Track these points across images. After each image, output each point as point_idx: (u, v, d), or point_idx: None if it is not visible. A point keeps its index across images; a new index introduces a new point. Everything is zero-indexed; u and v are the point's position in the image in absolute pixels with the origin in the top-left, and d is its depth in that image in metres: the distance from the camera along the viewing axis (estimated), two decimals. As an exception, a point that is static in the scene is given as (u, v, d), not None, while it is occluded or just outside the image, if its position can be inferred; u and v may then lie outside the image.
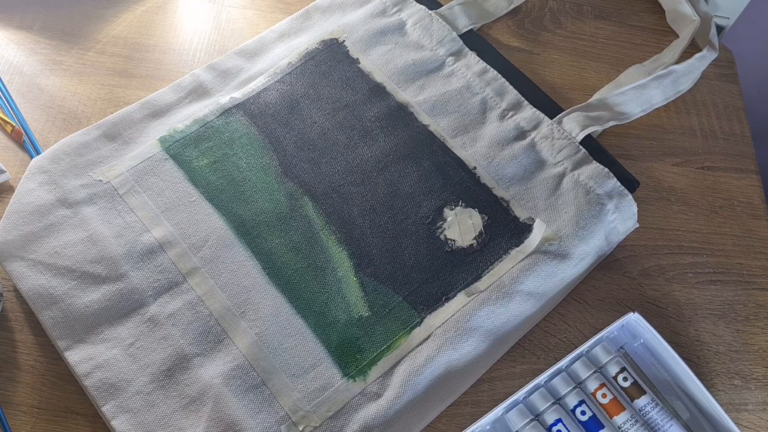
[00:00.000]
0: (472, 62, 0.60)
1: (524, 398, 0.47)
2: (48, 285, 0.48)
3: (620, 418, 0.46)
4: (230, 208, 0.52)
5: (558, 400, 0.47)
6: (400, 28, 0.62)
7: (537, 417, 0.46)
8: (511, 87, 0.58)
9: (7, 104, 0.59)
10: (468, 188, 0.54)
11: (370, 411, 0.45)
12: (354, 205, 0.53)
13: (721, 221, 0.58)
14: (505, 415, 0.47)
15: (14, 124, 0.57)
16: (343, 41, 0.61)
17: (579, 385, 0.47)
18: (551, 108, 0.58)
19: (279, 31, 0.63)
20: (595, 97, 0.60)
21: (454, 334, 0.48)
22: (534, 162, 0.55)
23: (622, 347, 0.50)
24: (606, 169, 0.54)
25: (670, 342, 0.48)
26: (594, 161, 0.54)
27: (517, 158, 0.55)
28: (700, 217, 0.58)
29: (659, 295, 0.54)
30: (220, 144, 0.55)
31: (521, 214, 0.53)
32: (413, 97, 0.58)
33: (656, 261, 0.55)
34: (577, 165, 0.54)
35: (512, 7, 0.67)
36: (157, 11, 0.66)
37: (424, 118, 0.57)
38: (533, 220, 0.52)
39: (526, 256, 0.50)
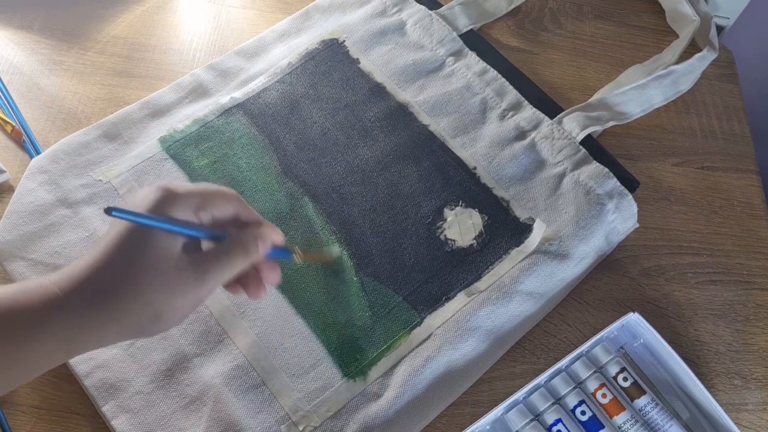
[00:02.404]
0: (472, 62, 0.60)
1: (524, 398, 0.47)
2: (48, 285, 0.48)
3: (620, 418, 0.46)
4: (230, 208, 0.52)
5: (558, 400, 0.47)
6: (400, 28, 0.62)
7: (537, 417, 0.46)
8: (511, 87, 0.58)
9: (7, 104, 0.59)
10: (468, 188, 0.54)
11: (370, 411, 0.45)
12: (354, 205, 0.53)
13: (721, 221, 0.58)
14: (505, 415, 0.47)
15: (14, 124, 0.57)
16: (343, 41, 0.61)
17: (579, 385, 0.47)
18: (551, 108, 0.58)
19: (279, 31, 0.62)
20: (595, 97, 0.60)
21: (454, 334, 0.48)
22: (534, 162, 0.55)
23: (622, 347, 0.50)
24: (606, 169, 0.54)
25: (670, 342, 0.48)
26: (594, 161, 0.54)
27: (517, 158, 0.55)
28: (700, 217, 0.58)
29: (659, 295, 0.54)
30: (220, 144, 0.55)
31: (521, 214, 0.53)
32: (413, 97, 0.58)
33: (656, 261, 0.55)
34: (577, 165, 0.54)
35: (512, 7, 0.67)
36: (157, 11, 0.66)
37: (424, 118, 0.57)
38: (533, 220, 0.52)
39: (526, 256, 0.50)
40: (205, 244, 0.38)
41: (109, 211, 0.32)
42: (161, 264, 0.34)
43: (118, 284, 0.33)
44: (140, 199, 0.35)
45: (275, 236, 0.40)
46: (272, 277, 0.40)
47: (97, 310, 0.33)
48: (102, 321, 0.33)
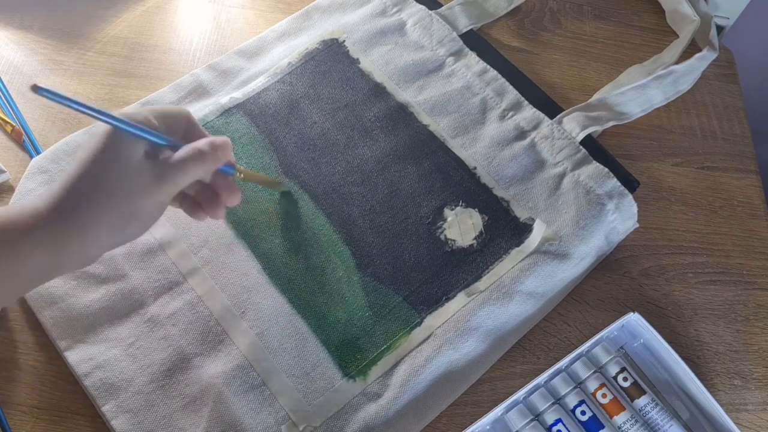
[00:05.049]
0: (472, 62, 0.60)
1: (524, 398, 0.47)
2: (48, 285, 0.48)
3: (620, 418, 0.46)
4: (230, 208, 0.52)
5: (558, 400, 0.47)
6: (400, 28, 0.62)
7: (537, 417, 0.46)
8: (511, 87, 0.58)
9: (7, 104, 0.59)
10: (468, 188, 0.54)
11: (371, 411, 0.45)
12: (354, 205, 0.53)
13: (721, 221, 0.58)
14: (505, 415, 0.47)
15: (14, 124, 0.57)
16: (343, 41, 0.61)
17: (579, 385, 0.47)
18: (551, 108, 0.58)
19: (279, 31, 0.63)
20: (595, 97, 0.60)
21: (454, 335, 0.48)
22: (534, 162, 0.55)
23: (622, 347, 0.50)
24: (606, 169, 0.54)
25: (670, 342, 0.48)
26: (594, 161, 0.54)
27: (518, 158, 0.55)
28: (700, 217, 0.58)
29: (659, 295, 0.54)
30: (220, 144, 0.55)
31: (521, 214, 0.53)
32: (413, 97, 0.58)
33: (656, 261, 0.55)
34: (577, 165, 0.54)
35: (512, 7, 0.67)
36: (157, 11, 0.66)
37: (424, 118, 0.57)
38: (533, 220, 0.52)
39: (526, 256, 0.50)
40: (163, 154, 0.41)
41: (35, 89, 0.34)
42: (123, 168, 0.38)
43: (91, 191, 0.37)
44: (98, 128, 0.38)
45: (228, 149, 0.42)
46: (231, 198, 0.43)
47: (76, 216, 0.37)
48: (81, 226, 0.37)
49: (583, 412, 0.46)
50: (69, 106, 0.36)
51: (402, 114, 0.57)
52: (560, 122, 0.57)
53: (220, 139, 0.41)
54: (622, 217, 0.53)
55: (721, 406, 0.46)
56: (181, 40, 0.64)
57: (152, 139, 0.39)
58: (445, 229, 0.52)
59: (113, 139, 0.38)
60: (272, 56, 0.61)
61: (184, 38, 0.64)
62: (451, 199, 0.53)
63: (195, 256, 0.50)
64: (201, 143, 0.40)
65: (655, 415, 0.46)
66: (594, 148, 0.56)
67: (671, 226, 0.57)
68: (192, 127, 0.42)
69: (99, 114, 0.37)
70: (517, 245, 0.51)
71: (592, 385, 0.47)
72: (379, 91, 0.58)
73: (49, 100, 0.35)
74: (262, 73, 0.59)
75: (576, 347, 0.48)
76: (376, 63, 0.60)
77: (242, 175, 0.45)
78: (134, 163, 0.38)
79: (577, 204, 0.52)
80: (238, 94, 0.58)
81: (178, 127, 0.42)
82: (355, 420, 0.45)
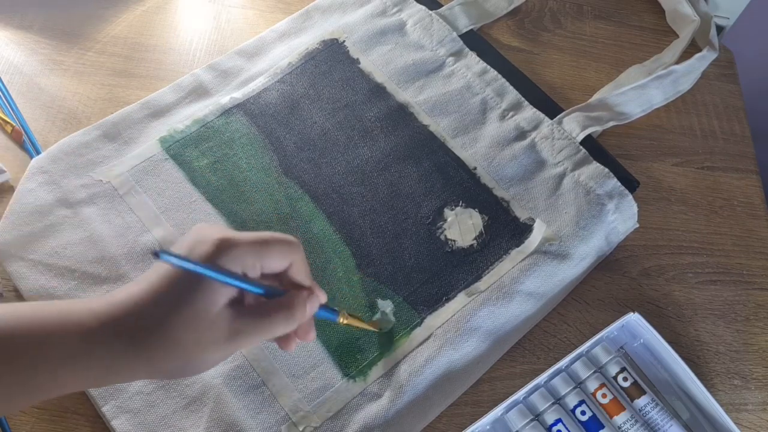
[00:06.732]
0: (473, 62, 0.60)
1: (524, 398, 0.47)
2: (48, 285, 0.48)
3: (620, 418, 0.46)
4: (230, 208, 0.52)
5: (558, 400, 0.47)
6: (400, 28, 0.62)
7: (537, 417, 0.46)
8: (511, 87, 0.58)
9: (7, 104, 0.59)
10: (468, 188, 0.54)
11: (371, 411, 0.45)
12: (354, 205, 0.53)
13: (721, 221, 0.58)
14: (505, 415, 0.47)
15: (14, 124, 0.57)
16: (344, 41, 0.61)
17: (579, 385, 0.47)
18: (551, 108, 0.58)
19: (279, 31, 0.62)
20: (595, 97, 0.60)
21: (454, 335, 0.48)
22: (534, 162, 0.55)
23: (622, 347, 0.50)
24: (606, 169, 0.54)
25: (670, 342, 0.48)
26: (594, 161, 0.54)
27: (518, 158, 0.55)
28: (700, 217, 0.58)
29: (659, 295, 0.54)
30: (221, 144, 0.55)
31: (521, 214, 0.53)
32: (413, 97, 0.58)
33: (656, 261, 0.55)
34: (578, 165, 0.54)
35: (512, 7, 0.67)
36: (157, 11, 0.66)
37: (425, 119, 0.57)
38: (533, 221, 0.52)
39: (527, 257, 0.50)
40: (250, 297, 0.36)
41: (157, 254, 0.31)
42: (198, 318, 0.33)
43: (154, 331, 0.32)
44: (194, 244, 0.34)
45: (322, 298, 0.38)
46: (307, 335, 0.38)
47: (130, 352, 0.32)
48: (133, 362, 0.33)
49: (583, 412, 0.46)
50: (185, 268, 0.32)
51: (402, 114, 0.57)
52: (560, 122, 0.57)
53: (318, 295, 0.37)
54: (622, 217, 0.53)
55: (721, 406, 0.46)
56: (181, 40, 0.64)
57: (249, 288, 0.34)
58: (445, 229, 0.52)
59: (196, 282, 0.33)
60: (272, 56, 0.61)
61: (184, 38, 0.64)
62: (452, 199, 0.53)
63: (195, 256, 0.50)
64: (297, 300, 0.36)
65: (655, 415, 0.46)
66: (594, 148, 0.56)
67: (671, 226, 0.57)
68: (299, 259, 0.37)
69: (191, 266, 0.32)
70: (518, 245, 0.51)
71: (592, 385, 0.47)
72: (379, 91, 0.58)
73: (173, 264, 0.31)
74: (262, 73, 0.59)
75: (576, 347, 0.48)
76: (377, 63, 0.59)
77: (345, 321, 0.41)
78: (212, 314, 0.33)
79: (577, 204, 0.52)
80: (238, 94, 0.58)
81: (282, 263, 0.36)
82: (355, 420, 0.45)
